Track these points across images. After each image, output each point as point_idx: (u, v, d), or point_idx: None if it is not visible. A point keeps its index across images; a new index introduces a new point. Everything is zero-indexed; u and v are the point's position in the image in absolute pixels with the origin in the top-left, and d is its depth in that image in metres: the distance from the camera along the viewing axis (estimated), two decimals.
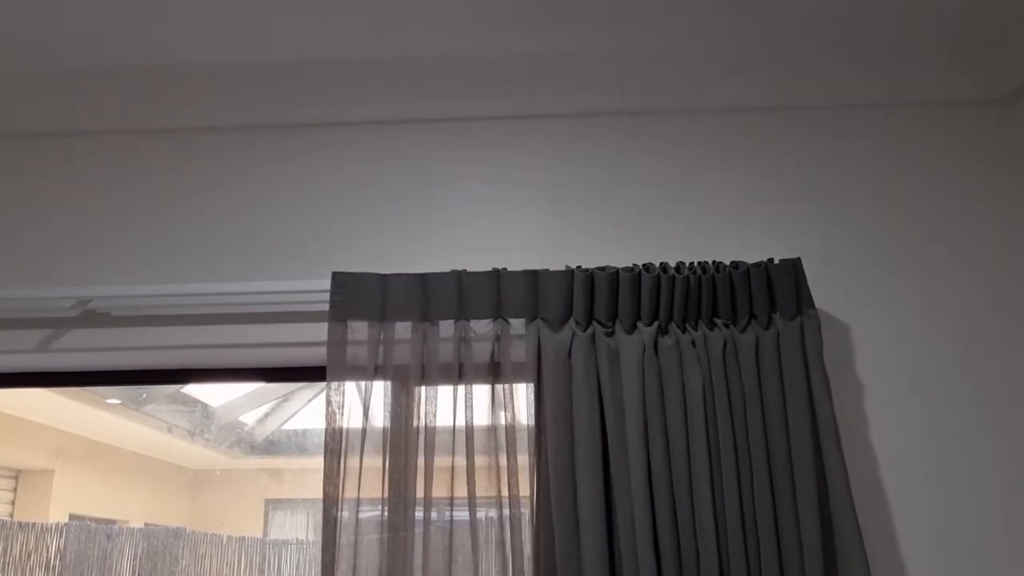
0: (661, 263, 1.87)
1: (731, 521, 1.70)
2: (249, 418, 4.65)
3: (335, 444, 1.79)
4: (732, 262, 1.86)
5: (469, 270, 1.91)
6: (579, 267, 1.87)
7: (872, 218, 2.07)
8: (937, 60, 2.08)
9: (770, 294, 1.86)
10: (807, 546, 1.68)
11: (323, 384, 1.83)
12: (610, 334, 1.83)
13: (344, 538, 1.75)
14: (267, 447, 4.70)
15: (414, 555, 1.75)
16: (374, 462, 1.80)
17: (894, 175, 2.11)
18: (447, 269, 1.96)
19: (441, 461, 1.80)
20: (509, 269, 1.90)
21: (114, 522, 4.57)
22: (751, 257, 2.03)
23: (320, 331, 1.90)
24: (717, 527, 1.71)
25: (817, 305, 1.96)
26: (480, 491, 1.78)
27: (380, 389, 1.84)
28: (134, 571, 4.35)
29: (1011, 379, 1.93)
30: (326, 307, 1.86)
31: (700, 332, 1.83)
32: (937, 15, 1.91)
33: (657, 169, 2.13)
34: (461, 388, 1.83)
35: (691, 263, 1.88)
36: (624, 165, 2.14)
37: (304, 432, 4.54)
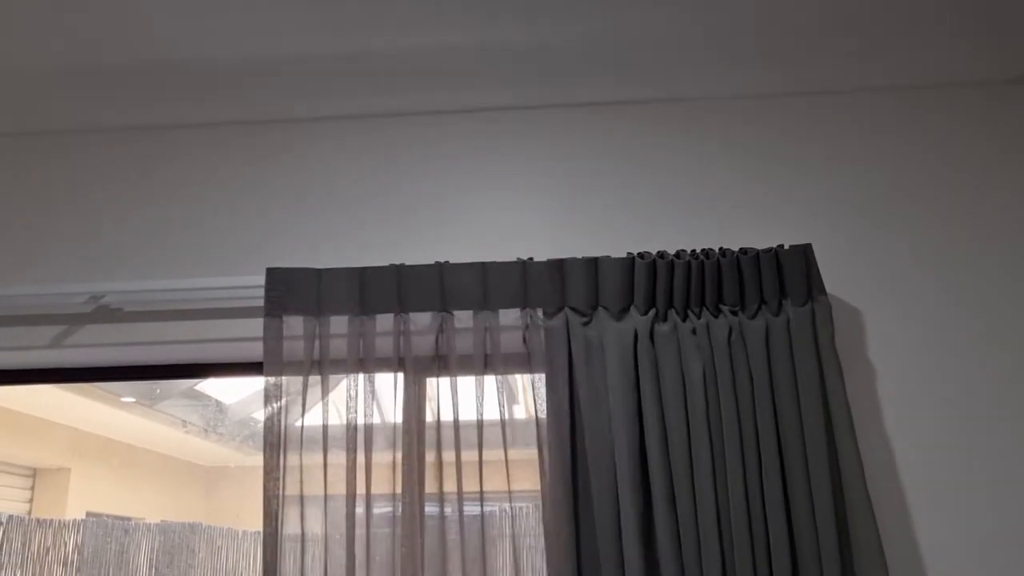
0: (658, 251, 1.87)
1: (736, 512, 1.68)
2: (262, 414, 4.66)
3: (273, 439, 1.77)
4: (741, 248, 1.86)
5: (451, 262, 1.91)
6: (577, 257, 1.86)
7: (884, 202, 2.06)
8: (949, 42, 2.06)
9: (780, 280, 1.85)
10: (822, 534, 1.66)
11: (337, 378, 1.84)
12: (587, 323, 1.83)
13: (289, 531, 1.74)
14: None
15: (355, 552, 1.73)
16: (316, 458, 1.79)
17: (907, 159, 2.10)
18: (430, 261, 1.96)
19: (383, 457, 1.79)
20: (499, 261, 1.91)
21: (130, 519, 4.61)
22: (763, 244, 2.02)
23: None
24: (719, 518, 1.69)
25: (829, 291, 1.95)
26: (395, 487, 1.76)
27: (318, 384, 1.83)
28: (151, 565, 4.38)
29: None
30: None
31: (703, 319, 1.82)
32: None
33: (670, 157, 2.13)
34: (400, 378, 1.82)
35: (692, 250, 1.87)
36: (640, 154, 2.13)
37: (318, 427, 4.54)
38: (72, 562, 4.13)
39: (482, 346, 1.83)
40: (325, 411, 1.82)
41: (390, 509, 1.76)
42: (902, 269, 2.00)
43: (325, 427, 1.81)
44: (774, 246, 1.87)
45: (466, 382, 1.84)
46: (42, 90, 2.13)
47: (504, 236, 2.08)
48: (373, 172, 2.17)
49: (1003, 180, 2.06)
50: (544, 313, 1.85)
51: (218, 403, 4.81)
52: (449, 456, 1.77)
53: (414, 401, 1.84)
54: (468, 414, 1.80)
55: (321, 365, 1.84)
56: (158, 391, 4.59)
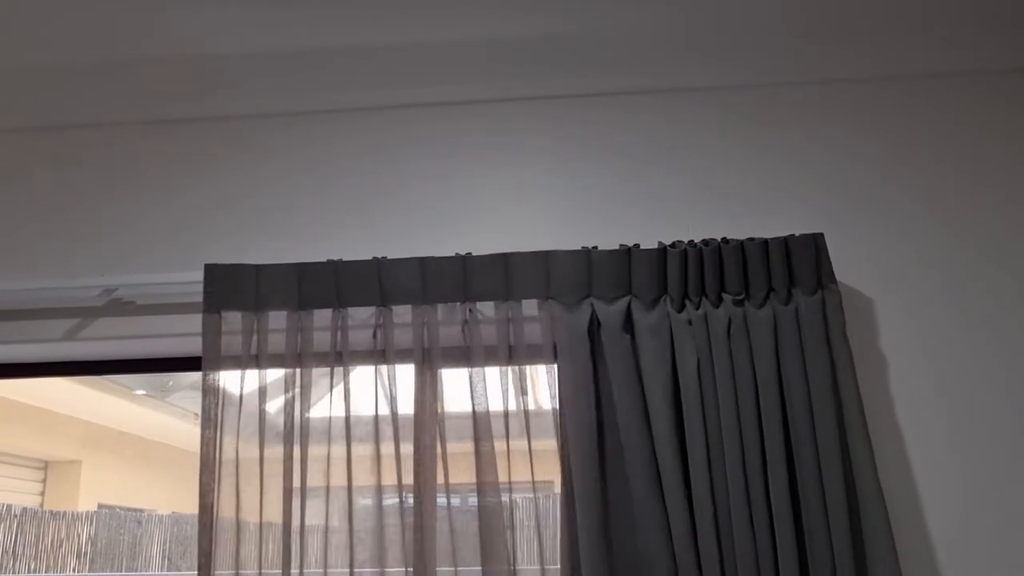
0: (660, 243, 1.87)
1: (735, 506, 1.68)
2: (272, 406, 4.67)
3: (210, 432, 1.83)
4: (749, 237, 1.85)
5: (437, 256, 1.92)
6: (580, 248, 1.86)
7: (896, 192, 2.05)
8: (961, 31, 2.05)
9: (789, 268, 1.84)
10: (834, 526, 1.66)
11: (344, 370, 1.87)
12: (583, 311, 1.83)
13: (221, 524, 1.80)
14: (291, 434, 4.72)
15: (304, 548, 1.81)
16: (254, 452, 1.86)
17: (919, 148, 2.08)
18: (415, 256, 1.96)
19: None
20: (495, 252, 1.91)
21: (142, 511, 4.64)
22: (774, 235, 2.01)
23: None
24: (717, 511, 1.68)
25: (840, 280, 1.94)
26: (360, 480, 1.81)
27: (254, 377, 1.88)
28: (164, 556, 4.41)
29: None
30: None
31: (703, 309, 1.81)
32: None
33: (677, 147, 2.12)
34: (339, 372, 1.86)
35: (694, 240, 1.87)
36: (646, 145, 2.13)
37: (328, 420, 4.56)
38: (86, 553, 4.16)
39: (503, 337, 1.86)
40: (331, 403, 1.89)
41: (371, 501, 1.81)
42: (914, 259, 1.99)
43: (329, 419, 1.89)
44: (784, 236, 1.87)
45: (463, 374, 1.87)
46: (53, 85, 2.14)
47: (487, 228, 2.09)
48: (374, 167, 2.17)
49: (1019, 170, 2.05)
50: (564, 304, 1.86)
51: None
52: (466, 447, 1.81)
53: (421, 393, 1.87)
54: (496, 404, 1.84)
55: (259, 359, 1.88)
56: (170, 384, 4.61)
